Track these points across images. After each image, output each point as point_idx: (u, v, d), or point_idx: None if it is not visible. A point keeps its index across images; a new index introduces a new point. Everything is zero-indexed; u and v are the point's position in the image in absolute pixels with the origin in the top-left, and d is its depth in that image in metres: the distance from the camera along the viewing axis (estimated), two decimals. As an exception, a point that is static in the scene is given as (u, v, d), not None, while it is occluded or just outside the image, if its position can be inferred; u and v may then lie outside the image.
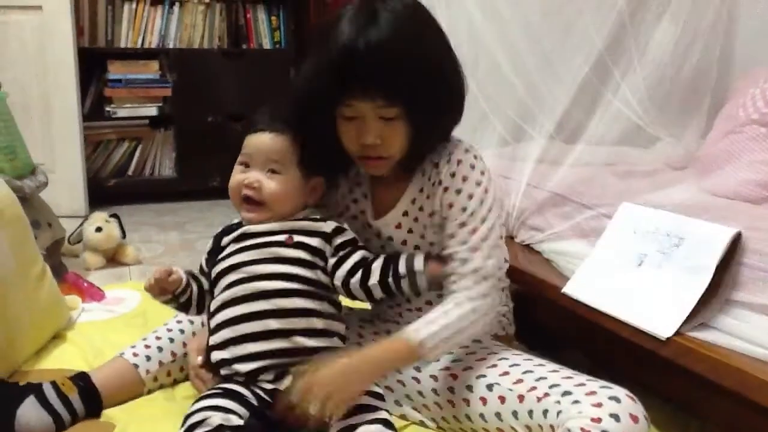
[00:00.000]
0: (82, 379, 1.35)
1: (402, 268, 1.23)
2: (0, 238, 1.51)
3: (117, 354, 1.43)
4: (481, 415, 1.21)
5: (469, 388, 1.23)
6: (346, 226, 1.32)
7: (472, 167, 1.26)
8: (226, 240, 1.31)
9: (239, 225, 1.32)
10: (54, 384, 1.31)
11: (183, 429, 1.13)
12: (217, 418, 1.12)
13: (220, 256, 1.30)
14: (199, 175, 3.25)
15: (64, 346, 1.67)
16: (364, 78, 1.14)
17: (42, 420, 1.26)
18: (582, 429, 1.02)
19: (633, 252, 1.33)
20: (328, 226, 1.29)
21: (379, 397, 1.22)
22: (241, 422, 1.14)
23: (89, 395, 1.33)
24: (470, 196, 1.25)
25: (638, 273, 1.30)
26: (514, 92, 1.92)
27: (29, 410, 1.26)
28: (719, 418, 1.19)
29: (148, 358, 1.41)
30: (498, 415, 1.18)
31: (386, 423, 1.16)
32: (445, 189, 1.26)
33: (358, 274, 1.25)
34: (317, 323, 1.23)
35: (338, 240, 1.28)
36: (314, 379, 1.10)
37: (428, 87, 1.17)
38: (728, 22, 2.04)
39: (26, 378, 1.48)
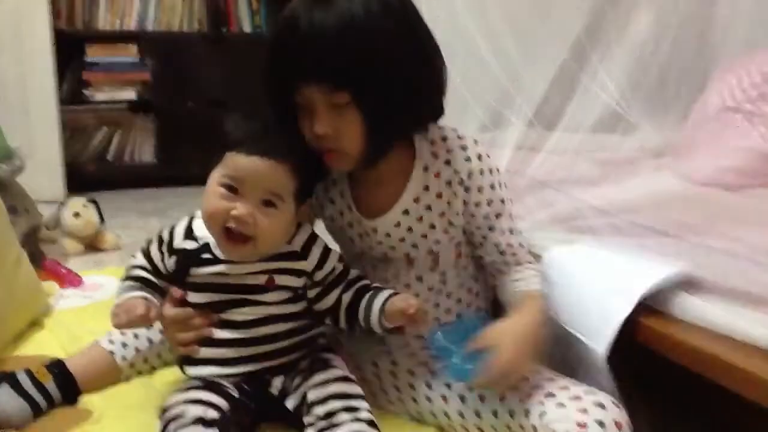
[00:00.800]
0: (57, 367, 1.33)
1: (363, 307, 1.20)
2: (-26, 224, 1.50)
3: (93, 341, 1.42)
4: (460, 413, 1.21)
5: (448, 386, 1.23)
6: (323, 246, 1.22)
7: (488, 156, 1.25)
8: (195, 271, 1.18)
9: (204, 249, 1.18)
10: (28, 372, 1.30)
11: (161, 423, 1.12)
12: (193, 412, 1.11)
13: (188, 281, 1.19)
14: (179, 161, 3.22)
15: (42, 333, 1.66)
16: (305, 59, 1.09)
17: (19, 406, 1.24)
18: None
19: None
20: (310, 264, 1.20)
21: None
22: (217, 415, 1.12)
23: (65, 382, 1.31)
24: (500, 185, 1.25)
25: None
26: (494, 77, 1.93)
27: (4, 398, 1.24)
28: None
29: (125, 345, 1.40)
30: (477, 413, 1.18)
31: (370, 423, 1.14)
32: (479, 188, 1.24)
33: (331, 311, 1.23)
34: (296, 336, 1.22)
35: (319, 275, 1.21)
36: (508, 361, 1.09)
37: (381, 76, 1.10)
38: (707, 8, 2.05)
39: (3, 365, 1.47)
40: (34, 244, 2.10)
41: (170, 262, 1.20)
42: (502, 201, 1.26)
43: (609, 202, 1.44)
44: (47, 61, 2.97)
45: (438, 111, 1.24)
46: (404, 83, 1.13)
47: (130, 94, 3.23)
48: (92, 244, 2.39)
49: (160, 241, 1.23)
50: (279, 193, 1.12)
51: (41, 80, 2.98)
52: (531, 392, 1.12)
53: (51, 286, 1.91)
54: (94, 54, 3.17)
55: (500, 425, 1.15)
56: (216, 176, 1.12)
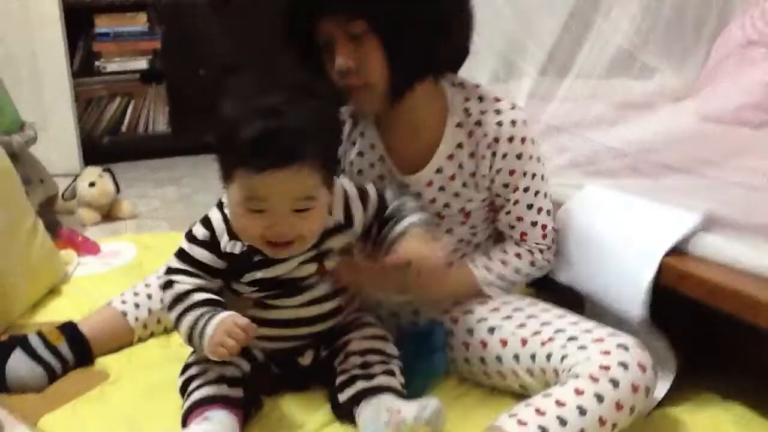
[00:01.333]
0: (69, 328, 1.33)
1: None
2: (-14, 191, 1.50)
3: (105, 303, 1.42)
4: (481, 359, 1.20)
5: (470, 331, 1.22)
6: (358, 200, 1.16)
7: (525, 124, 1.21)
8: (248, 275, 1.12)
9: (252, 252, 1.09)
10: (40, 334, 1.30)
11: (182, 378, 1.13)
12: (216, 370, 1.11)
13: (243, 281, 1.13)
14: (193, 129, 3.20)
15: (60, 300, 1.67)
16: None
17: (33, 371, 1.25)
18: (591, 376, 1.01)
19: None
20: (357, 228, 1.16)
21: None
22: (240, 375, 1.12)
23: (77, 344, 1.31)
24: (530, 158, 1.21)
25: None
26: (505, 24, 1.87)
27: (18, 363, 1.24)
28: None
29: (137, 305, 1.40)
30: (499, 358, 1.17)
31: (399, 393, 1.13)
32: (504, 155, 1.20)
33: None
34: (340, 314, 1.21)
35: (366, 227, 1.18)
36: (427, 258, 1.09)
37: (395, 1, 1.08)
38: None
39: (22, 332, 1.48)
40: (50, 214, 2.11)
41: (220, 263, 1.11)
42: (526, 174, 1.23)
43: (626, 142, 1.40)
44: (57, 35, 2.94)
45: (463, 51, 1.22)
46: (421, 8, 1.10)
47: (141, 64, 3.20)
48: (109, 214, 2.39)
49: (204, 243, 1.11)
50: (309, 195, 1.01)
51: (52, 54, 2.95)
52: (553, 336, 1.10)
53: (69, 254, 1.92)
54: (103, 24, 3.14)
55: (522, 369, 1.14)
56: (236, 198, 1.01)
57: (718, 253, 1.10)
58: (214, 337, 1.01)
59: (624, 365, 1.02)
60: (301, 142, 0.96)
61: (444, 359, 1.21)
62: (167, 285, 1.10)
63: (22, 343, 1.27)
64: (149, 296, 1.40)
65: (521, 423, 0.98)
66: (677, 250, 1.14)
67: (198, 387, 1.09)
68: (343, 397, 1.12)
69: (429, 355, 1.20)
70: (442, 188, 1.24)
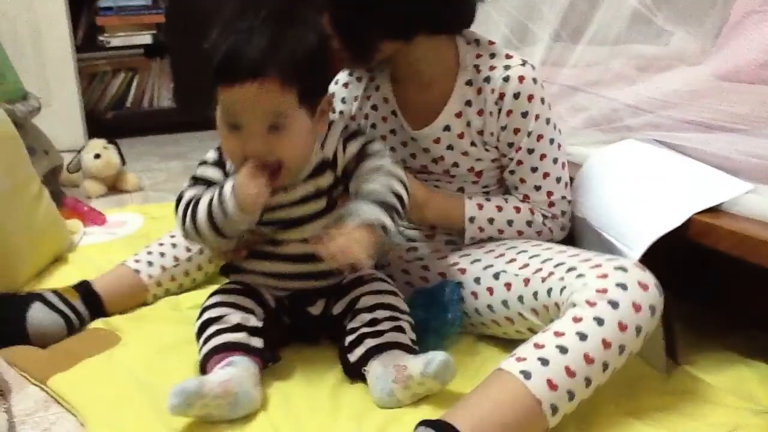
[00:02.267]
0: (83, 287, 1.33)
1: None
2: (-10, 155, 1.47)
3: (119, 262, 1.42)
4: (489, 306, 1.17)
5: (477, 280, 1.19)
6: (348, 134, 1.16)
7: (534, 82, 1.19)
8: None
9: None
10: (56, 291, 1.30)
11: (199, 322, 1.12)
12: (235, 317, 1.10)
13: None
14: (198, 104, 3.17)
15: (66, 267, 1.65)
16: None
17: (54, 321, 1.25)
18: (587, 301, 0.97)
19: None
20: (338, 174, 1.14)
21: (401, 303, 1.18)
22: (259, 324, 1.11)
23: (92, 302, 1.31)
24: (537, 117, 1.19)
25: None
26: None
27: (39, 313, 1.25)
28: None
29: (150, 263, 1.39)
30: (505, 303, 1.14)
31: (413, 341, 1.12)
32: (509, 112, 1.18)
33: None
34: None
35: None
36: None
37: None
38: None
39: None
40: (54, 185, 2.08)
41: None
42: (531, 134, 1.20)
43: (645, 99, 1.36)
44: (60, 9, 2.91)
45: (459, 7, 1.19)
46: None
47: (145, 38, 3.17)
48: (114, 186, 2.36)
49: (213, 163, 1.16)
50: (281, 111, 1.01)
51: (55, 29, 2.92)
52: (553, 270, 1.07)
53: (75, 224, 1.89)
54: (106, -2, 3.11)
55: (527, 310, 1.10)
56: (219, 119, 1.05)
57: (746, 205, 1.07)
58: (238, 187, 1.02)
59: (622, 286, 0.97)
60: (266, 58, 0.98)
61: (458, 315, 1.18)
62: (178, 201, 1.12)
63: (40, 297, 1.28)
64: (162, 254, 1.40)
65: (520, 359, 0.94)
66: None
67: (217, 332, 1.08)
68: (353, 357, 1.10)
69: (442, 312, 1.17)
70: (450, 147, 1.23)
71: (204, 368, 1.06)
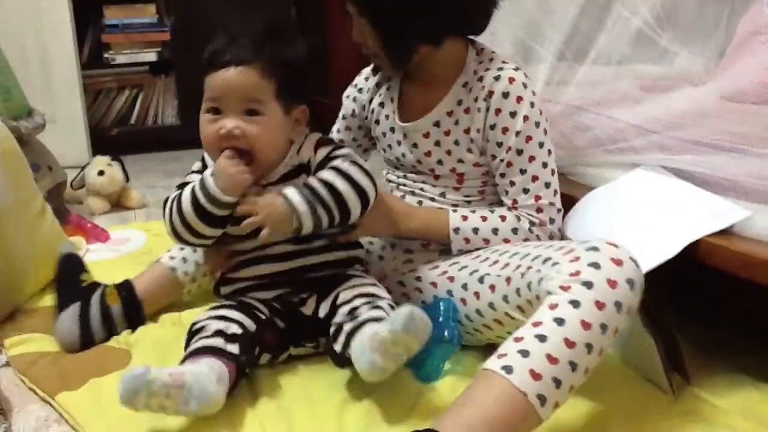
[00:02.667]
0: (126, 289, 1.38)
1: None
2: (-5, 171, 1.47)
3: (154, 260, 1.46)
4: (478, 311, 1.17)
5: (464, 287, 1.20)
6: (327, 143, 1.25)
7: (525, 87, 1.22)
8: None
9: None
10: (102, 294, 1.35)
11: (185, 339, 1.14)
12: (216, 325, 1.12)
13: None
14: (202, 121, 3.18)
15: (69, 284, 1.64)
16: None
17: (71, 333, 1.30)
18: (561, 287, 0.95)
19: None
20: (315, 163, 1.21)
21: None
22: (239, 331, 1.12)
23: (131, 306, 1.37)
24: (525, 119, 1.21)
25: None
26: (522, 8, 1.84)
27: (64, 322, 1.31)
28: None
29: (184, 260, 1.43)
30: (491, 305, 1.13)
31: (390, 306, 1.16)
32: (497, 111, 1.21)
33: None
34: (330, 251, 1.24)
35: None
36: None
37: None
38: None
39: (31, 316, 1.46)
40: (58, 202, 2.08)
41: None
42: (519, 134, 1.21)
43: (651, 120, 1.36)
44: (66, 26, 2.92)
45: (473, 19, 1.26)
46: None
47: (150, 56, 3.18)
48: (118, 203, 2.36)
49: (196, 172, 1.24)
50: (257, 98, 1.12)
51: (61, 45, 2.93)
52: (531, 263, 1.06)
53: (78, 240, 1.89)
54: (112, 16, 3.11)
55: (513, 309, 1.09)
56: (203, 106, 1.15)
57: (753, 227, 1.06)
58: (217, 168, 1.11)
59: (594, 265, 0.95)
60: (252, 50, 1.12)
61: (456, 332, 1.17)
62: (165, 202, 1.19)
63: (84, 298, 1.34)
64: (195, 250, 1.42)
65: (501, 356, 0.93)
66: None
67: (196, 341, 1.10)
68: (337, 346, 1.10)
69: (440, 330, 1.16)
70: (437, 143, 1.29)
71: None
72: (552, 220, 1.25)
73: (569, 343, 0.91)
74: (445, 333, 1.16)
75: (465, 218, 1.25)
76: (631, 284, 0.95)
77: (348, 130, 1.49)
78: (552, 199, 1.24)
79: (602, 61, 1.79)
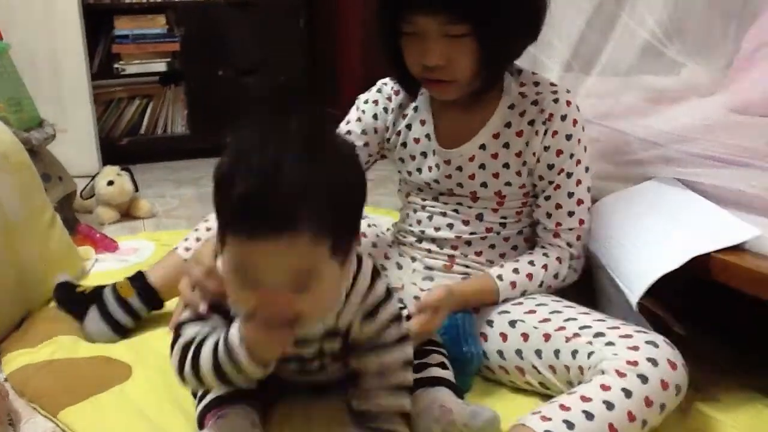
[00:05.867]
0: (138, 280, 1.41)
1: None
2: (6, 183, 1.48)
3: (170, 250, 1.48)
4: (499, 352, 1.17)
5: (490, 323, 1.19)
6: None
7: (578, 110, 1.23)
8: None
9: None
10: (114, 288, 1.40)
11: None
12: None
13: None
14: (211, 131, 3.19)
15: (78, 294, 1.65)
16: None
17: (103, 332, 1.37)
18: (617, 371, 0.97)
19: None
20: (358, 335, 1.01)
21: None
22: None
23: (147, 295, 1.40)
24: (578, 142, 1.22)
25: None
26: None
27: (91, 324, 1.37)
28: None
29: None
30: (519, 352, 1.14)
31: (452, 386, 1.09)
32: (554, 133, 1.20)
33: None
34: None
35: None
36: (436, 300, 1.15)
37: (503, 7, 1.07)
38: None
39: (40, 323, 1.46)
40: (68, 212, 2.09)
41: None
42: (573, 157, 1.22)
43: (657, 133, 1.36)
44: (77, 36, 2.95)
45: (534, 38, 1.21)
46: (519, 13, 1.11)
47: (160, 66, 3.20)
48: (127, 212, 2.37)
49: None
50: (307, 269, 0.81)
51: (72, 56, 2.96)
52: (579, 332, 1.07)
53: (87, 250, 1.90)
54: (122, 26, 3.14)
55: (543, 366, 1.10)
56: (227, 266, 0.84)
57: (763, 243, 1.06)
58: (248, 338, 0.85)
59: (653, 361, 0.97)
60: (297, 205, 0.77)
61: (477, 346, 1.16)
62: (176, 338, 0.96)
63: (99, 299, 1.38)
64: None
65: (545, 418, 0.94)
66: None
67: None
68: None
69: (457, 347, 1.16)
70: (482, 166, 1.25)
71: (201, 423, 1.04)
72: (584, 249, 1.28)
73: (612, 429, 0.93)
74: (463, 348, 1.16)
75: (514, 286, 1.22)
76: (678, 390, 0.98)
77: (363, 136, 1.37)
78: (586, 223, 1.26)
79: (609, 72, 1.79)
